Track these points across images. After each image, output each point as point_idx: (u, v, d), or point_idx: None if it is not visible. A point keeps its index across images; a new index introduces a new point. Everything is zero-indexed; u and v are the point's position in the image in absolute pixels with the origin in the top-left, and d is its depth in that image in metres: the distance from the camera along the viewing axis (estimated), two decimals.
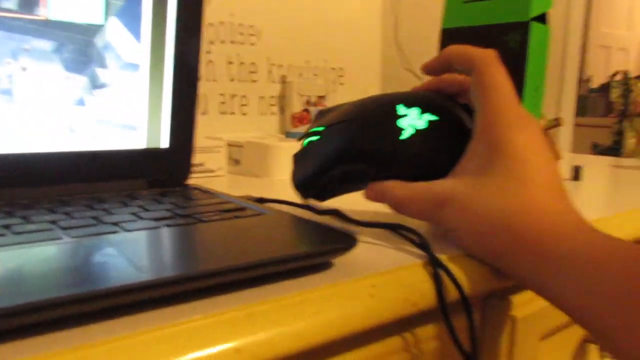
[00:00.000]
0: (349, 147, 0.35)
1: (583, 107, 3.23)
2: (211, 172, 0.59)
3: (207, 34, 0.68)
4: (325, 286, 0.25)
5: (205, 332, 0.20)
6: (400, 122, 0.34)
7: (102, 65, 0.38)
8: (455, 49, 0.34)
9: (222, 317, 0.21)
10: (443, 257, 0.30)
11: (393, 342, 0.29)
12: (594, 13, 3.97)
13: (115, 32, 0.38)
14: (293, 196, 0.47)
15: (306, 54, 0.81)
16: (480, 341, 0.36)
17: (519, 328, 0.35)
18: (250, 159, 0.60)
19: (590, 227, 0.27)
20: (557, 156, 0.83)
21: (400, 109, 0.34)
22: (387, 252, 0.31)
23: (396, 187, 0.33)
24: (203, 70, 0.68)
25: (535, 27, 0.56)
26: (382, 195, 0.34)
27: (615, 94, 1.00)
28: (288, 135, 0.75)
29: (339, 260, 0.28)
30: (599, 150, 1.40)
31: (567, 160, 0.85)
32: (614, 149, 1.17)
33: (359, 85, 0.90)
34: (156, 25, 0.39)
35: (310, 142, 0.39)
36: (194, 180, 0.57)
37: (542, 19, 0.59)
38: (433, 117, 0.34)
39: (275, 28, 0.76)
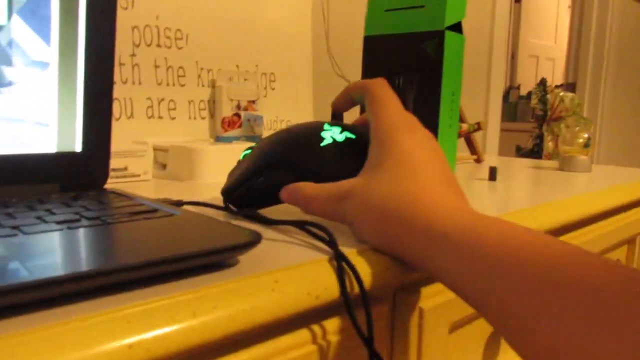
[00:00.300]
0: (272, 153, 0.38)
1: (514, 113, 3.40)
2: (136, 176, 0.58)
3: (132, 37, 0.67)
4: (226, 282, 0.25)
5: (98, 330, 0.20)
6: (323, 134, 0.37)
7: (8, 63, 0.37)
8: (353, 83, 0.38)
9: (116, 314, 0.21)
10: (351, 252, 0.31)
11: (302, 335, 0.30)
12: (523, 25, 4.19)
13: (20, 30, 0.37)
14: (214, 198, 0.47)
15: (236, 59, 0.81)
16: (392, 334, 0.38)
17: (426, 319, 0.37)
18: (176, 163, 0.59)
19: (475, 212, 0.29)
20: (479, 158, 0.87)
21: (326, 126, 0.38)
22: (295, 249, 0.31)
23: (305, 186, 0.35)
24: (129, 73, 0.67)
25: (450, 35, 0.59)
26: (294, 194, 0.35)
27: (534, 100, 1.07)
28: (219, 139, 0.75)
29: (245, 258, 0.29)
30: (521, 153, 1.48)
31: (490, 162, 0.90)
32: (536, 152, 1.24)
33: (291, 90, 0.91)
34: (65, 25, 0.38)
35: (244, 155, 0.42)
36: (117, 184, 0.56)
37: (458, 28, 0.62)
38: (351, 136, 0.37)
39: (204, 33, 0.76)
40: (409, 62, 0.61)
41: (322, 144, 0.37)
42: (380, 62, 0.64)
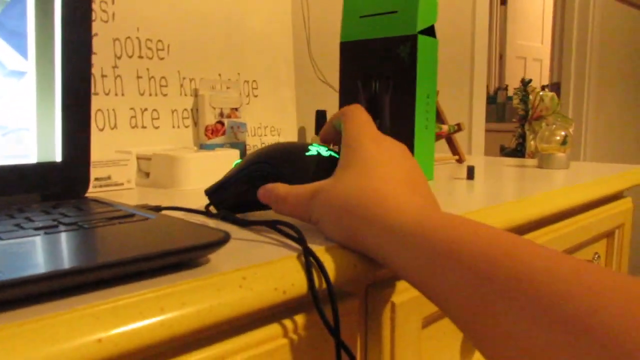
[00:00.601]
0: (258, 159, 0.40)
1: (502, 113, 3.43)
2: (119, 185, 0.59)
3: (113, 49, 0.69)
4: (195, 279, 0.26)
5: (68, 326, 0.22)
6: (310, 147, 0.40)
7: None
8: (335, 113, 0.41)
9: (85, 311, 0.22)
10: (319, 249, 0.32)
11: (273, 329, 0.31)
12: (510, 27, 4.24)
13: None
14: (194, 203, 0.48)
15: (218, 68, 0.82)
16: (365, 328, 0.39)
17: (398, 313, 0.38)
18: (159, 171, 0.60)
19: (433, 210, 0.30)
20: (461, 158, 0.89)
21: (314, 144, 0.40)
22: (266, 248, 0.33)
23: (278, 186, 0.36)
24: (111, 85, 0.68)
25: (423, 39, 0.61)
26: (268, 194, 0.37)
27: (515, 100, 1.09)
28: (202, 147, 0.76)
29: (216, 257, 0.30)
30: (505, 152, 1.50)
31: (474, 162, 0.91)
32: (519, 151, 1.26)
33: (274, 96, 0.92)
34: (42, 37, 0.40)
35: (236, 163, 0.43)
36: (101, 193, 0.57)
37: (431, 32, 0.63)
38: (335, 155, 0.40)
39: (185, 43, 0.77)
40: (384, 66, 0.63)
41: (306, 154, 0.39)
42: (356, 67, 0.66)
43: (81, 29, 0.41)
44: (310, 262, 0.30)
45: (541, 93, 0.95)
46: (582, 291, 0.20)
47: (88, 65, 0.42)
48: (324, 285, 0.31)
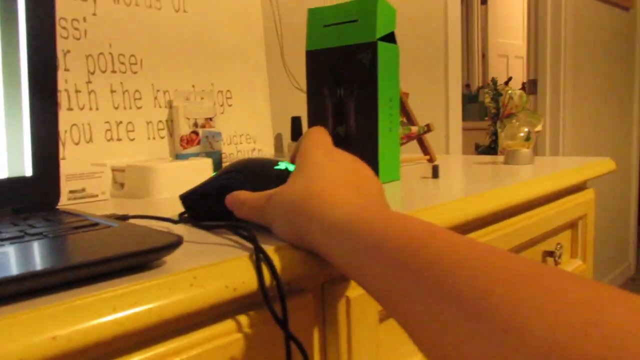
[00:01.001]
0: (230, 168, 0.43)
1: (484, 112, 3.48)
2: (94, 196, 0.61)
3: (86, 65, 0.71)
4: (148, 280, 0.29)
5: (25, 325, 0.24)
6: (280, 163, 0.43)
7: None
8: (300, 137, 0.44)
9: (41, 312, 0.25)
10: (270, 249, 0.34)
11: (226, 325, 0.33)
12: (491, 26, 4.29)
13: None
14: (164, 212, 0.50)
15: (192, 80, 0.85)
16: (323, 323, 0.41)
17: (354, 308, 0.41)
18: (133, 182, 0.62)
19: (373, 209, 0.32)
20: (431, 158, 0.92)
21: (284, 161, 0.43)
22: (222, 248, 0.35)
23: (242, 193, 0.40)
24: (85, 100, 0.70)
25: (383, 46, 0.63)
26: (233, 200, 0.39)
27: (487, 99, 1.11)
28: (178, 156, 0.78)
29: (172, 258, 0.32)
30: (480, 150, 1.53)
31: (447, 161, 0.94)
32: (492, 148, 1.29)
33: (249, 105, 0.95)
34: (7, 54, 0.42)
35: (214, 174, 0.46)
36: (75, 205, 0.59)
37: (391, 39, 0.66)
38: None
39: (158, 57, 0.80)
40: (348, 72, 0.66)
41: (275, 167, 0.42)
42: (322, 75, 0.68)
43: (46, 44, 0.43)
44: (260, 259, 0.32)
45: (510, 91, 0.98)
46: (477, 275, 0.22)
47: (54, 80, 0.45)
48: (274, 282, 0.33)
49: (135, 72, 0.76)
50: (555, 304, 0.19)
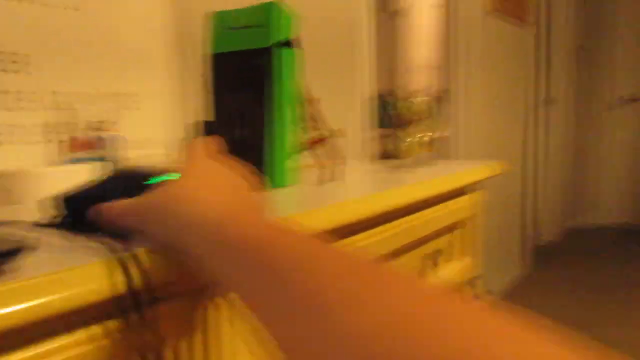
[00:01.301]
0: (107, 177, 0.43)
1: (389, 120, 3.62)
2: None
3: None
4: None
5: None
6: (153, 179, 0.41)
7: None
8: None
9: None
10: (131, 254, 0.34)
11: (92, 330, 0.33)
12: (407, 37, 4.46)
13: None
14: (35, 218, 0.49)
15: (92, 82, 0.83)
16: (191, 329, 0.42)
17: (222, 312, 0.42)
18: (7, 188, 0.61)
19: (244, 215, 0.34)
20: (335, 163, 0.95)
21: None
22: (85, 253, 0.34)
23: (114, 202, 0.39)
24: None
25: (277, 51, 0.65)
26: (105, 208, 0.39)
27: (389, 108, 1.18)
28: (72, 160, 0.76)
29: (33, 264, 0.32)
30: (385, 156, 1.60)
31: (350, 166, 0.97)
32: (396, 154, 1.36)
33: (156, 108, 0.94)
34: None
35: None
36: None
37: (290, 44, 0.68)
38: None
39: (56, 58, 0.77)
40: (248, 76, 0.67)
41: (145, 182, 0.40)
42: (225, 78, 0.69)
43: None
44: (123, 265, 0.33)
45: (410, 99, 1.03)
46: (306, 277, 0.25)
47: None
48: (137, 286, 0.33)
49: (29, 73, 0.74)
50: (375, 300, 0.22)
